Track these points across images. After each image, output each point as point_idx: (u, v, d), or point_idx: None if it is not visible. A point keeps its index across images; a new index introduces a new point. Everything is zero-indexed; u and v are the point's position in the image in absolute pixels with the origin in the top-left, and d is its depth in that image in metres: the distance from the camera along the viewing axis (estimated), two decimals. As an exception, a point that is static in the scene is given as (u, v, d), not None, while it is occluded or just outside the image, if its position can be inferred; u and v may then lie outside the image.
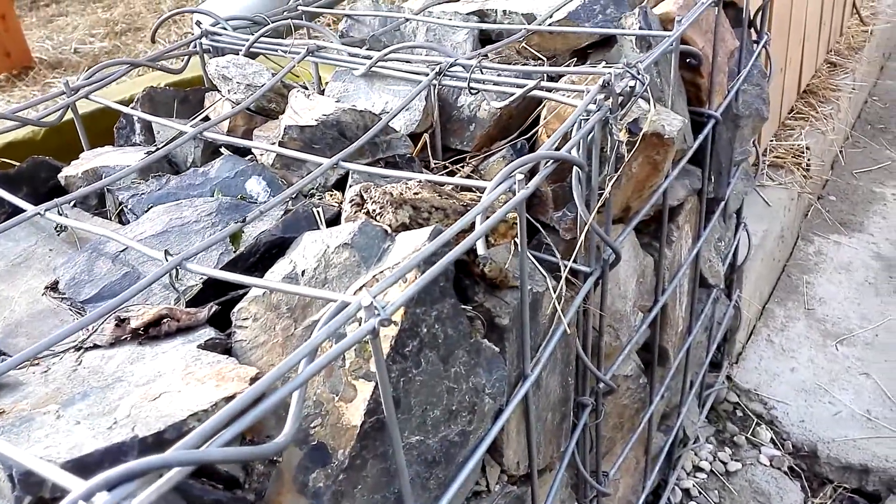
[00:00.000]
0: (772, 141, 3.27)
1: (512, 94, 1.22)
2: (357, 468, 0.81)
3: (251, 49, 1.52)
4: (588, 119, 1.12)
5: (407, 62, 1.38)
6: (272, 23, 1.62)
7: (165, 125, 1.32)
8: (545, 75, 1.25)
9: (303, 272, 0.90)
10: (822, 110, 3.51)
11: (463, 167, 1.38)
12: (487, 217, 0.94)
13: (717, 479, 2.49)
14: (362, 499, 0.82)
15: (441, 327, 0.90)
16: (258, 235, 1.00)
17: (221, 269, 0.96)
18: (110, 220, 1.18)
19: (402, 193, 1.01)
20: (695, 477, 2.49)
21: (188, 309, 0.91)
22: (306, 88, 1.50)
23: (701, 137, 1.63)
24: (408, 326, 0.85)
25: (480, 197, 1.09)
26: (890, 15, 5.01)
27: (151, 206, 1.14)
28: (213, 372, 0.78)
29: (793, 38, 3.27)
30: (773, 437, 2.62)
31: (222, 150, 1.32)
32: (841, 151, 3.96)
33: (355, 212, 0.98)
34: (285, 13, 1.74)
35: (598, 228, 1.19)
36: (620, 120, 1.19)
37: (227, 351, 0.88)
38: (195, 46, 1.58)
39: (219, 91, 1.48)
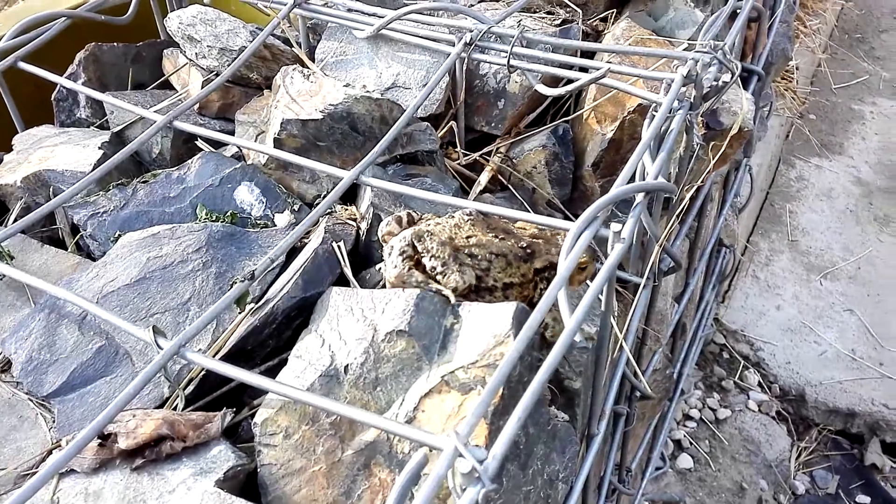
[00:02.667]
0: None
1: (571, 80, 0.98)
2: None
3: (219, -6, 1.21)
4: (673, 120, 0.90)
5: (424, 24, 1.11)
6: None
7: (122, 108, 1.04)
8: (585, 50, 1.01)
9: (346, 368, 0.68)
10: (810, 24, 3.30)
11: (491, 155, 1.14)
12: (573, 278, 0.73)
13: (708, 427, 2.44)
14: None
15: (523, 431, 0.71)
16: (276, 303, 0.77)
17: (229, 352, 0.74)
18: (66, 248, 0.92)
19: (452, 237, 0.79)
20: (685, 426, 2.43)
21: (194, 417, 0.68)
22: (299, 45, 1.22)
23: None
24: (492, 448, 0.65)
25: (542, 228, 0.87)
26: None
27: (119, 234, 0.89)
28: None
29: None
30: (761, 381, 2.57)
31: (199, 143, 1.05)
32: (822, 65, 3.80)
33: (408, 268, 0.75)
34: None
35: (672, 250, 0.99)
36: (701, 116, 0.97)
37: (251, 476, 0.67)
38: (146, -13, 1.26)
39: (181, 49, 1.18)
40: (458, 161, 1.11)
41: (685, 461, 2.32)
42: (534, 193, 1.17)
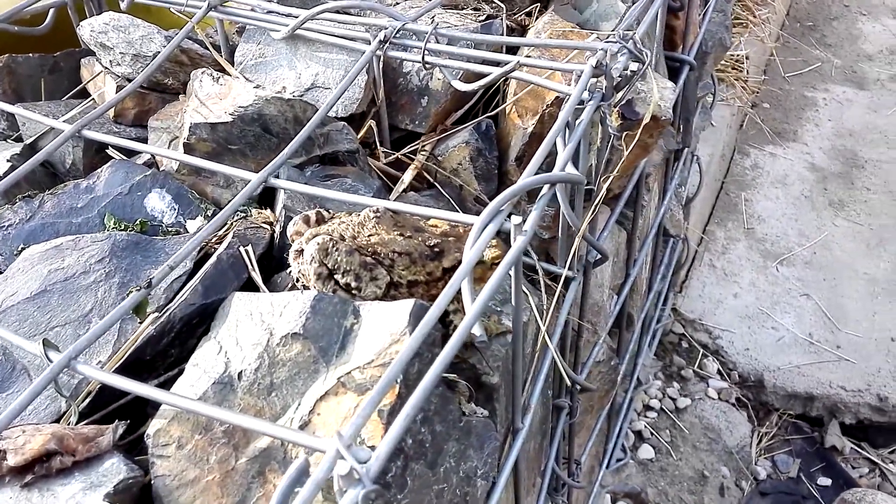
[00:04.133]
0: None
1: (481, 74, 0.97)
2: None
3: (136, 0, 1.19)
4: (580, 111, 0.89)
5: (341, 23, 1.09)
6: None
7: (33, 119, 1.02)
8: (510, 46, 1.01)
9: (240, 374, 0.67)
10: (759, 14, 3.33)
11: (416, 154, 1.13)
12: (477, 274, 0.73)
13: (668, 417, 2.45)
14: None
15: (428, 428, 0.70)
16: (173, 310, 0.75)
17: (125, 362, 0.72)
18: (-33, 264, 0.89)
19: (355, 237, 0.78)
20: (646, 417, 2.44)
21: (85, 431, 0.67)
22: (217, 49, 1.20)
23: (678, 89, 1.43)
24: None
25: (454, 225, 0.86)
26: None
27: (22, 247, 0.87)
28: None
29: (734, -64, 3.03)
30: (720, 369, 2.59)
31: (110, 151, 1.03)
32: (773, 54, 3.83)
33: (329, 287, 0.74)
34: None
35: (591, 238, 0.99)
36: (613, 106, 0.97)
37: (146, 489, 0.65)
38: (61, -4, 1.24)
39: (96, 57, 1.16)
40: (379, 159, 1.10)
41: (646, 452, 2.32)
42: (461, 190, 1.16)
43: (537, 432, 1.14)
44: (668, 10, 1.37)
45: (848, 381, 2.52)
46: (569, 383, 1.27)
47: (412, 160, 1.13)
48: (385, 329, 0.68)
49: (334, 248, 0.76)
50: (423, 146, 1.13)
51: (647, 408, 2.46)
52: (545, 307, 1.04)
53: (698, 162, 2.36)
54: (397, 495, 0.67)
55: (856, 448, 2.48)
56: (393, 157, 1.10)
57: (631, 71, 0.90)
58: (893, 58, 4.13)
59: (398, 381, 0.64)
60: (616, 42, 0.93)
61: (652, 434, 2.39)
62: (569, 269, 1.07)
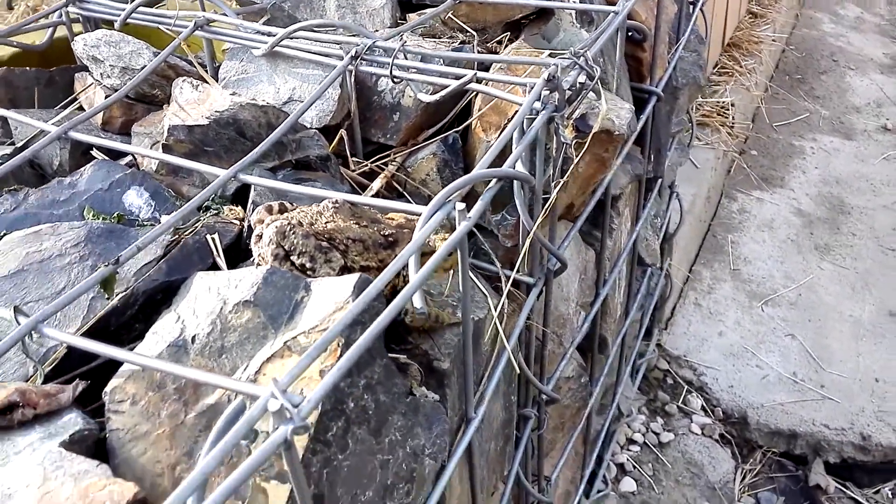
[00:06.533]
0: (697, 99, 3.19)
1: (443, 87, 1.04)
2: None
3: (129, 21, 1.27)
4: (532, 120, 0.96)
5: (317, 41, 1.17)
6: (155, -14, 1.37)
7: (23, 121, 1.08)
8: (479, 64, 1.08)
9: (193, 338, 0.72)
10: (745, 64, 3.44)
11: (387, 165, 1.20)
12: (423, 253, 0.78)
13: (651, 451, 2.46)
14: None
15: (371, 396, 0.74)
16: (135, 282, 0.80)
17: (89, 329, 0.77)
18: (-48, 250, 0.95)
19: (313, 223, 0.83)
20: (629, 450, 2.44)
21: (47, 387, 0.71)
22: (203, 67, 1.28)
23: (644, 117, 1.50)
24: (330, 407, 0.69)
25: (410, 219, 0.92)
26: (805, -39, 4.99)
27: (4, 233, 0.92)
28: (77, 492, 0.60)
29: (718, -11, 3.16)
30: (704, 405, 2.60)
31: (94, 152, 1.09)
32: (761, 104, 3.93)
33: (285, 267, 0.79)
34: (171, -27, 1.48)
35: (544, 239, 1.04)
36: (567, 118, 1.03)
37: (101, 443, 0.70)
38: (60, 16, 1.32)
39: (88, 71, 1.24)
40: (352, 169, 1.16)
41: (628, 484, 2.33)
42: (429, 200, 1.22)
43: (499, 435, 1.17)
44: (633, 43, 1.45)
45: (831, 420, 2.53)
46: (536, 393, 1.31)
47: (383, 171, 1.19)
48: (331, 299, 0.73)
49: (291, 232, 0.81)
50: (394, 158, 1.19)
51: (631, 441, 2.47)
52: (505, 310, 1.09)
53: (679, 199, 2.42)
54: (338, 455, 0.70)
55: (840, 487, 2.48)
56: (364, 166, 1.16)
57: (579, 83, 0.97)
58: (881, 110, 4.23)
59: (339, 343, 0.68)
60: (568, 58, 1.00)
61: (634, 467, 2.39)
62: (529, 274, 1.12)
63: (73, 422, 0.69)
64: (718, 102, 3.15)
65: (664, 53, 1.60)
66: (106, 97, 1.17)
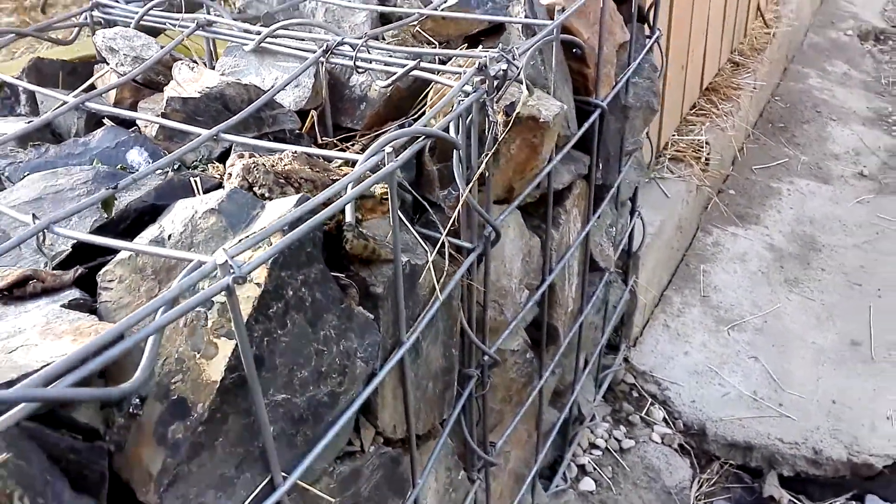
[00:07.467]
0: (673, 135, 3.41)
1: (396, 74, 1.26)
2: (217, 422, 0.84)
3: (144, 23, 1.51)
4: (465, 100, 1.17)
5: (298, 39, 1.40)
6: (167, -3, 1.62)
7: (48, 95, 1.31)
8: (432, 58, 1.30)
9: (169, 236, 0.92)
10: (723, 108, 3.67)
11: (353, 145, 1.41)
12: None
13: (612, 455, 2.60)
14: (223, 451, 0.85)
15: (308, 291, 0.94)
16: (130, 202, 1.01)
17: (90, 234, 0.97)
18: (-15, 187, 1.16)
19: (273, 165, 1.04)
20: (590, 454, 2.59)
21: (54, 271, 0.91)
22: (196, 63, 1.51)
23: (586, 125, 1.71)
24: (272, 288, 0.88)
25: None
26: (792, 19, 5.27)
27: (27, 174, 1.14)
28: (71, 328, 0.80)
29: (695, 37, 3.41)
30: (666, 417, 2.75)
31: (105, 121, 1.31)
32: (742, 149, 4.15)
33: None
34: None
35: (474, 202, 1.24)
36: (497, 102, 1.25)
37: (93, 311, 0.89)
38: (85, 18, 1.56)
39: (105, 60, 1.47)
40: (322, 146, 1.37)
41: (587, 484, 2.47)
42: (388, 179, 1.43)
43: (437, 378, 1.35)
44: (578, 59, 1.68)
45: (786, 434, 2.66)
46: (479, 357, 1.49)
47: (347, 149, 1.40)
48: (278, 211, 0.93)
49: (255, 168, 1.02)
50: (359, 139, 1.40)
51: (593, 446, 2.62)
52: (445, 268, 1.28)
53: (642, 219, 2.62)
54: (278, 329, 0.90)
55: (793, 500, 2.60)
56: (331, 142, 1.37)
57: (503, 70, 1.19)
58: (858, 158, 4.43)
59: (284, 230, 0.87)
60: (498, 52, 1.22)
61: (595, 469, 2.54)
62: (466, 238, 1.32)
63: (72, 295, 0.89)
64: (693, 140, 3.37)
65: (610, 73, 1.82)
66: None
